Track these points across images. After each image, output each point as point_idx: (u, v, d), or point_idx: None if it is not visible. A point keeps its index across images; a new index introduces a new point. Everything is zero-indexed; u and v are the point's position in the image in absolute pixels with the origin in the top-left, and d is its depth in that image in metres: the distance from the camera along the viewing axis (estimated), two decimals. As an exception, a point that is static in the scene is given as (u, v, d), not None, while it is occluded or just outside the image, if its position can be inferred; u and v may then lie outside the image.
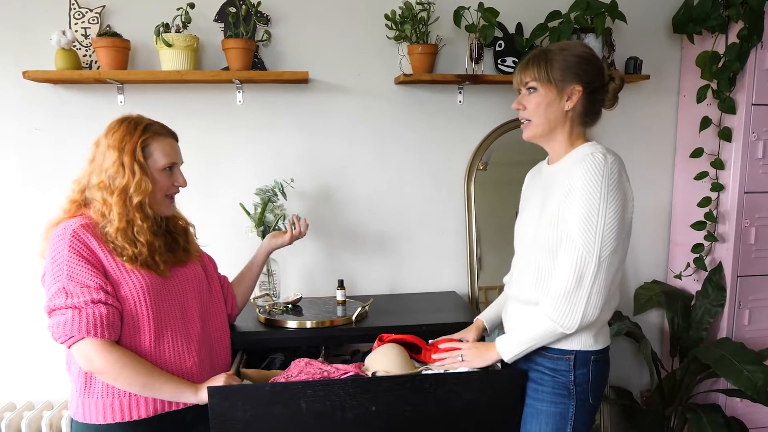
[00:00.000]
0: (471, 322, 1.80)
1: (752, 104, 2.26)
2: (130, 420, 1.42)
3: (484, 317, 1.78)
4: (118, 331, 1.38)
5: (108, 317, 1.35)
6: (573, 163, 1.42)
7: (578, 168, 1.38)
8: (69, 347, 1.36)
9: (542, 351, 1.49)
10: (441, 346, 1.66)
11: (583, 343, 1.46)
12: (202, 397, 1.45)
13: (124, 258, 1.40)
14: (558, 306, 1.39)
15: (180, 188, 1.55)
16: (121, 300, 1.40)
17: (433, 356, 1.65)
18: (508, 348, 1.49)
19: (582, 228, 1.35)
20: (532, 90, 1.48)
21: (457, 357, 1.57)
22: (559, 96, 1.45)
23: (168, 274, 1.49)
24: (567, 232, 1.38)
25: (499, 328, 1.75)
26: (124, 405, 1.42)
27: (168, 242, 1.55)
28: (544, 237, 1.44)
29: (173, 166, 1.51)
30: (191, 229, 1.69)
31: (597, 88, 1.47)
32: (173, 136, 1.54)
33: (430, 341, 1.73)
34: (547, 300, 1.42)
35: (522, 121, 1.53)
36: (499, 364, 1.68)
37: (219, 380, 1.49)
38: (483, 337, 1.77)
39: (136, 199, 1.41)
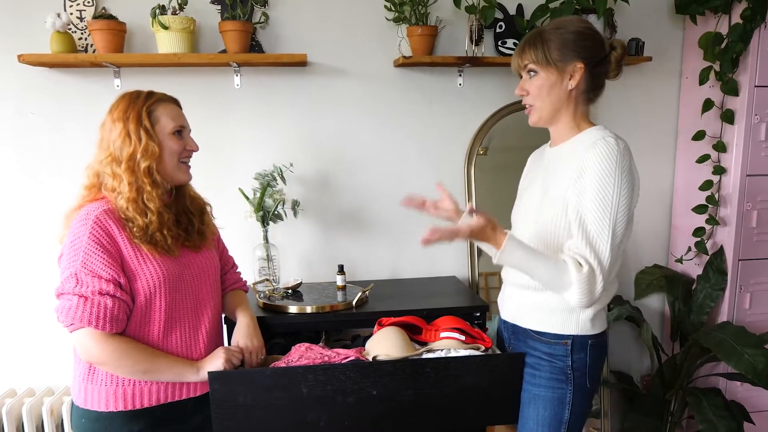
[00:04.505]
0: (471, 306, 1.79)
1: (755, 86, 2.24)
2: (133, 409, 1.41)
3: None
4: (121, 326, 1.37)
5: (113, 310, 1.33)
6: (582, 146, 1.41)
7: (591, 152, 1.36)
8: (71, 332, 1.36)
9: (539, 336, 1.49)
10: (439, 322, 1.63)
11: (581, 327, 1.46)
12: (203, 375, 1.45)
13: (135, 230, 1.38)
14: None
15: (193, 152, 1.53)
16: (135, 291, 1.38)
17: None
18: (509, 254, 1.37)
19: (596, 211, 1.34)
20: (532, 74, 1.45)
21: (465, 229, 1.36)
22: (560, 77, 1.43)
23: (176, 252, 1.46)
24: (578, 216, 1.37)
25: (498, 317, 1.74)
26: (127, 394, 1.41)
27: (182, 222, 1.52)
28: (547, 220, 1.43)
29: (182, 131, 1.49)
30: (208, 208, 1.66)
31: (599, 62, 1.45)
32: (176, 102, 1.53)
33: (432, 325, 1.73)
34: None
35: (526, 106, 1.51)
36: (497, 349, 1.68)
37: (219, 355, 1.48)
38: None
39: (143, 165, 1.39)
